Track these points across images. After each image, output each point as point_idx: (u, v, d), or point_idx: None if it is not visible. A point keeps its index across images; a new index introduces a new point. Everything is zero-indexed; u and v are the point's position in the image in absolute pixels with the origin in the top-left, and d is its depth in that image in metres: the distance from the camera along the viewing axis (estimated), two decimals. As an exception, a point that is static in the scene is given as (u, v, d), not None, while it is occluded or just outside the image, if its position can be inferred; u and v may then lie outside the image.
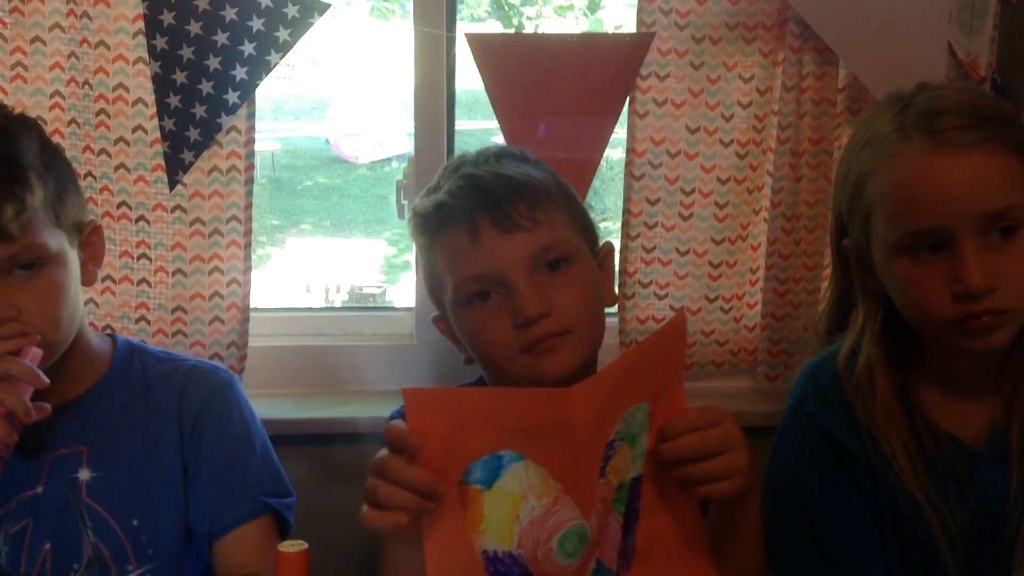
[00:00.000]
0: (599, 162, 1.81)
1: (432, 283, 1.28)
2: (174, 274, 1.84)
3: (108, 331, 1.66)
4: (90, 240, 1.32)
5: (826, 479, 1.26)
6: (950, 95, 1.19)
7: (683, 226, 1.86)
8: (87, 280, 1.31)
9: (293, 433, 1.85)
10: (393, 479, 0.97)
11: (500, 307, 1.19)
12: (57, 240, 1.23)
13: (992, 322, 1.13)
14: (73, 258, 1.27)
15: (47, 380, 1.18)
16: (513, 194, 1.19)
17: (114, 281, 1.83)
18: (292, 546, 1.13)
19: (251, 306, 1.87)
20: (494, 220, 1.17)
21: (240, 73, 1.72)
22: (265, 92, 1.83)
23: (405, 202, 1.95)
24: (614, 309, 1.85)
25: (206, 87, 1.72)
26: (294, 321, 2.07)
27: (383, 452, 1.01)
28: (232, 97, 1.73)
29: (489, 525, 0.99)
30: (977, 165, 1.12)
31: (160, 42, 1.71)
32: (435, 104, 1.91)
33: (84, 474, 1.29)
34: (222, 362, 1.87)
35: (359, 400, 1.93)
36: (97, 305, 1.83)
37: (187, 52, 1.71)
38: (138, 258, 1.83)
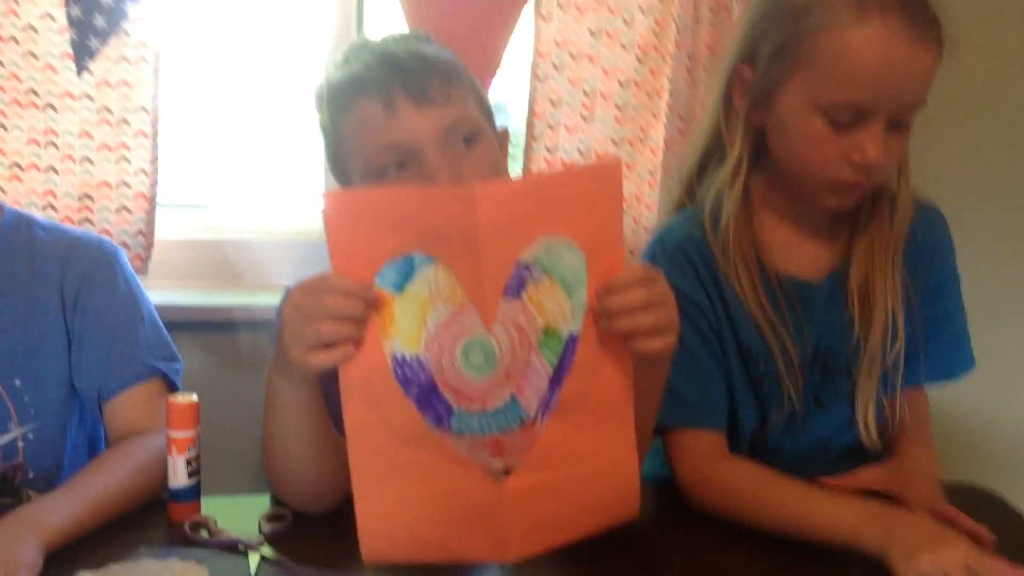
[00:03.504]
0: (501, 58, 1.84)
1: (338, 157, 1.30)
2: (81, 162, 1.86)
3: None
4: None
5: None
6: None
7: (584, 128, 1.91)
8: None
9: (198, 319, 1.89)
10: (333, 315, 0.98)
11: (413, 179, 1.21)
12: None
13: (864, 191, 1.24)
14: None
15: None
16: (428, 70, 1.21)
17: (21, 168, 1.85)
18: (183, 397, 1.17)
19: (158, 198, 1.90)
20: (409, 93, 1.19)
21: (144, -41, 1.73)
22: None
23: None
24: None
25: (111, -28, 1.73)
26: (202, 215, 2.09)
27: (303, 296, 1.01)
28: (136, -17, 1.74)
29: (398, 329, 1.00)
30: (924, 59, 1.17)
31: (64, -74, 1.73)
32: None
33: (-33, 333, 1.32)
34: (128, 251, 1.90)
35: (264, 292, 1.96)
36: (4, 192, 1.85)
37: (91, -64, 1.72)
38: (45, 145, 1.85)
